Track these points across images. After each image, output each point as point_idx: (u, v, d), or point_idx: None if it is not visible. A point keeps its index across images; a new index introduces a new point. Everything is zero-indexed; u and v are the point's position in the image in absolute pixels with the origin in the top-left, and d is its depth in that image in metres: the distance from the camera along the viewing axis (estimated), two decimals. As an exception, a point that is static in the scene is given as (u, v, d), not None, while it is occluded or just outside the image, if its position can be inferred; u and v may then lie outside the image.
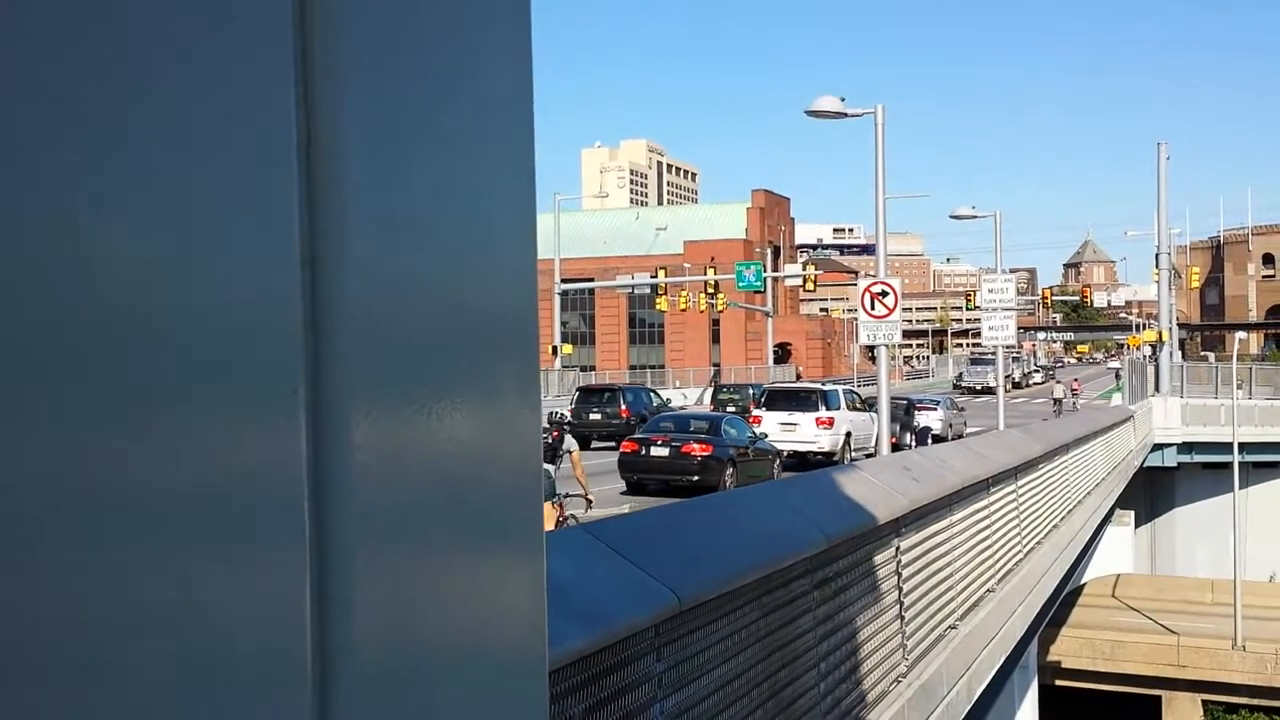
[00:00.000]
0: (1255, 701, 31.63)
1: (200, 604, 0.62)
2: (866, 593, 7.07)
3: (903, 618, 7.80)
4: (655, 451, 23.11)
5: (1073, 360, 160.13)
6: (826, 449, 28.27)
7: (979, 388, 70.99)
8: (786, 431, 27.81)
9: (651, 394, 37.93)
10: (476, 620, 0.85)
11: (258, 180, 0.66)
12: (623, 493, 23.05)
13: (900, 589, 7.82)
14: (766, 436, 26.37)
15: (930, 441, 30.20)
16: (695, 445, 23.04)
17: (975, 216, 34.73)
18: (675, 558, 4.58)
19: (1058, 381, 60.21)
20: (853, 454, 29.33)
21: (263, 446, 0.66)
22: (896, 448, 26.64)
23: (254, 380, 0.65)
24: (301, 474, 0.67)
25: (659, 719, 4.37)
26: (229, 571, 0.63)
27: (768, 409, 29.03)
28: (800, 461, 26.56)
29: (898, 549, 7.85)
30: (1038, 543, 14.37)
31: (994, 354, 33.15)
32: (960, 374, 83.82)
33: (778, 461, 25.15)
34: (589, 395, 35.30)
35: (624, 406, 33.50)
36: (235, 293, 0.64)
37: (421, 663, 0.79)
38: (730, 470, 22.86)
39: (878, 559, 7.37)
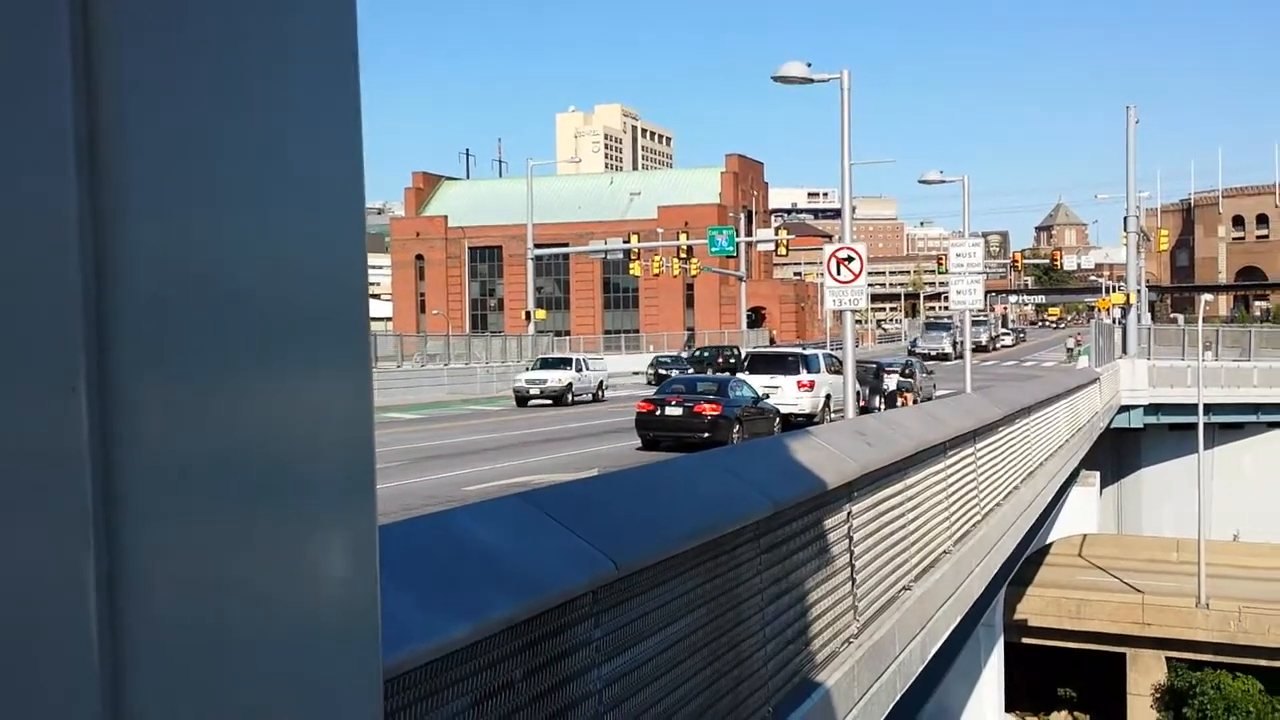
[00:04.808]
0: (1219, 659, 32.01)
1: None
2: (816, 556, 7.16)
3: (854, 580, 7.90)
4: (669, 411, 24.18)
5: (1049, 323, 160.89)
6: (807, 410, 28.72)
7: (934, 354, 62.89)
8: (769, 394, 28.16)
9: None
10: (290, 589, 0.85)
11: (33, 161, 0.66)
12: (638, 448, 23.82)
13: (851, 552, 7.92)
14: (768, 397, 26.99)
15: (899, 404, 30.48)
16: (706, 405, 24.13)
17: (943, 181, 34.82)
18: (614, 525, 4.63)
19: (1070, 336, 71.93)
20: (833, 415, 29.63)
21: (40, 424, 0.67)
22: (865, 410, 26.95)
23: (27, 359, 0.66)
24: (83, 451, 0.68)
25: (599, 683, 4.45)
26: None
27: (751, 372, 29.42)
28: (783, 423, 26.94)
29: (849, 513, 7.95)
30: (997, 504, 14.53)
31: (951, 319, 33.33)
32: (914, 340, 76.06)
33: (777, 419, 25.98)
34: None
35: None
36: (6, 272, 0.65)
37: (228, 631, 0.80)
38: (737, 428, 23.92)
39: (828, 523, 7.46)
